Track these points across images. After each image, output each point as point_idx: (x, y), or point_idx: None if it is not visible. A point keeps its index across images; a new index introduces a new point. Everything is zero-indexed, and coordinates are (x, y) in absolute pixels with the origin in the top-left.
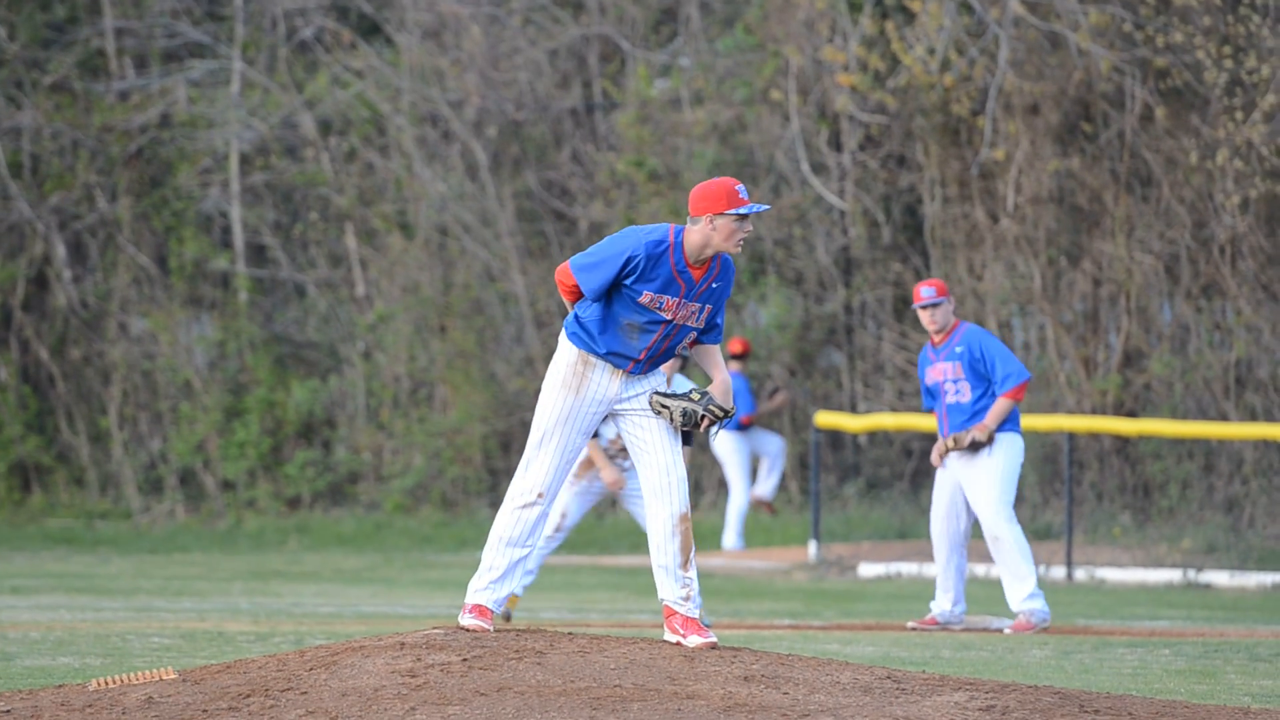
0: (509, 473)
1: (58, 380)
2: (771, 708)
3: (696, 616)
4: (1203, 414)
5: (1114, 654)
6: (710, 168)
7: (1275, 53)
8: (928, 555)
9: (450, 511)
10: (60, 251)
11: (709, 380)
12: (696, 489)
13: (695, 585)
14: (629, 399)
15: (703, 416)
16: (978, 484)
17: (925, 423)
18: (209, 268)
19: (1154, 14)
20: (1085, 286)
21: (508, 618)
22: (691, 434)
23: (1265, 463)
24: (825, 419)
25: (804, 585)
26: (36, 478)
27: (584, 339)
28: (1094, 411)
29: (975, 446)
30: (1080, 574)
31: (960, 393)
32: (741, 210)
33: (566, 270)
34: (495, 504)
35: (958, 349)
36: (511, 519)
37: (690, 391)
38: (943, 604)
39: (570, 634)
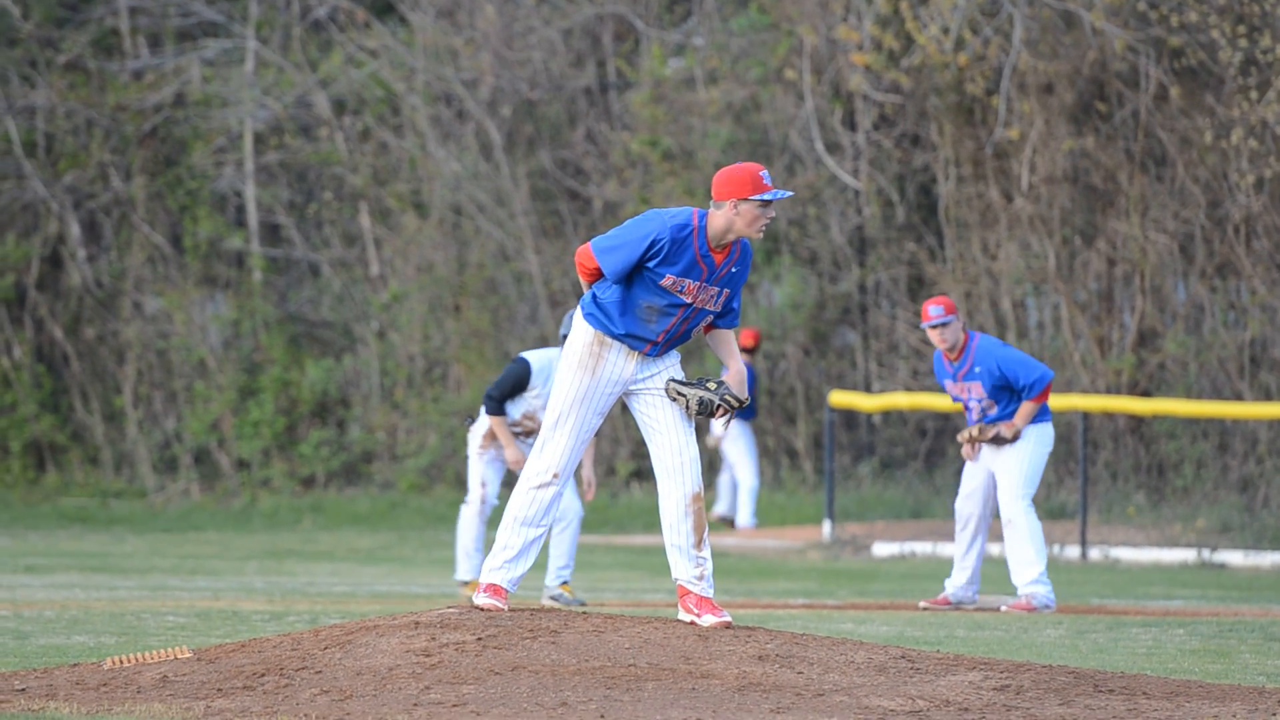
0: None
1: (72, 359)
2: (786, 687)
3: (711, 595)
4: (1217, 393)
5: (1128, 633)
6: (724, 147)
7: None
8: (942, 535)
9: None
10: (75, 231)
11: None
12: (710, 469)
13: (709, 565)
14: (644, 379)
15: (718, 406)
16: (1004, 468)
17: (940, 402)
18: (223, 247)
19: None
20: (1100, 266)
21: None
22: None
23: (1279, 442)
24: (839, 398)
25: (818, 565)
26: (51, 457)
27: (601, 320)
28: (1108, 391)
29: (1000, 441)
30: (1095, 553)
31: (987, 409)
32: (765, 196)
33: (588, 252)
34: (509, 483)
35: (976, 370)
36: (527, 499)
37: (706, 381)
38: (958, 582)
39: (585, 613)
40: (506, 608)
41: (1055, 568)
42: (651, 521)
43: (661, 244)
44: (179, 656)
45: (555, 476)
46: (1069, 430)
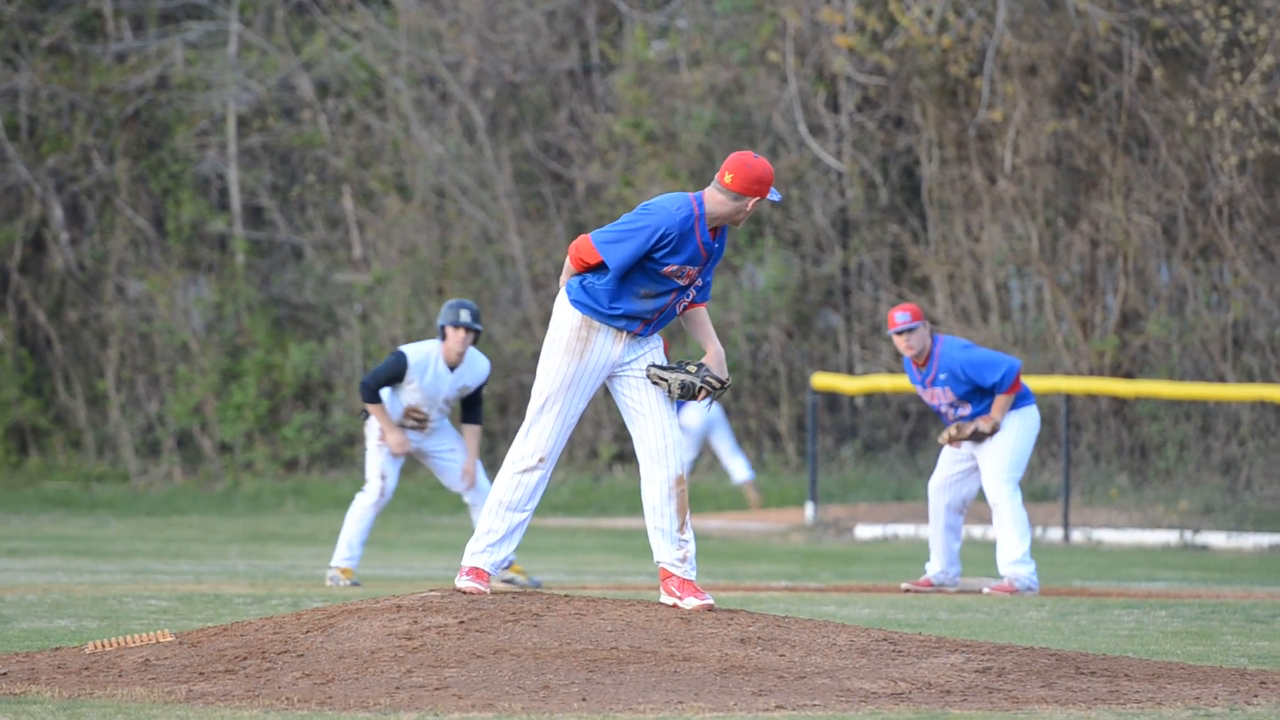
0: (506, 435)
1: (55, 343)
2: (768, 670)
3: (693, 578)
4: (1200, 375)
5: (1110, 615)
6: (707, 129)
7: (1273, 13)
8: (924, 517)
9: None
10: (57, 214)
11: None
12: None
13: (692, 547)
14: (629, 362)
15: (700, 388)
16: (990, 452)
17: None
18: (206, 230)
19: None
20: (1083, 248)
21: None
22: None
23: (1262, 424)
24: (822, 381)
25: (801, 547)
26: (34, 440)
27: (589, 305)
28: (1091, 373)
29: (980, 437)
30: (1077, 535)
31: (960, 410)
32: (774, 198)
33: (588, 246)
34: (494, 466)
35: (942, 376)
36: (512, 483)
37: (686, 364)
38: (935, 567)
39: (567, 596)
40: (489, 590)
41: (1038, 550)
42: (634, 504)
43: (670, 237)
44: (161, 640)
45: (541, 460)
46: (1052, 412)
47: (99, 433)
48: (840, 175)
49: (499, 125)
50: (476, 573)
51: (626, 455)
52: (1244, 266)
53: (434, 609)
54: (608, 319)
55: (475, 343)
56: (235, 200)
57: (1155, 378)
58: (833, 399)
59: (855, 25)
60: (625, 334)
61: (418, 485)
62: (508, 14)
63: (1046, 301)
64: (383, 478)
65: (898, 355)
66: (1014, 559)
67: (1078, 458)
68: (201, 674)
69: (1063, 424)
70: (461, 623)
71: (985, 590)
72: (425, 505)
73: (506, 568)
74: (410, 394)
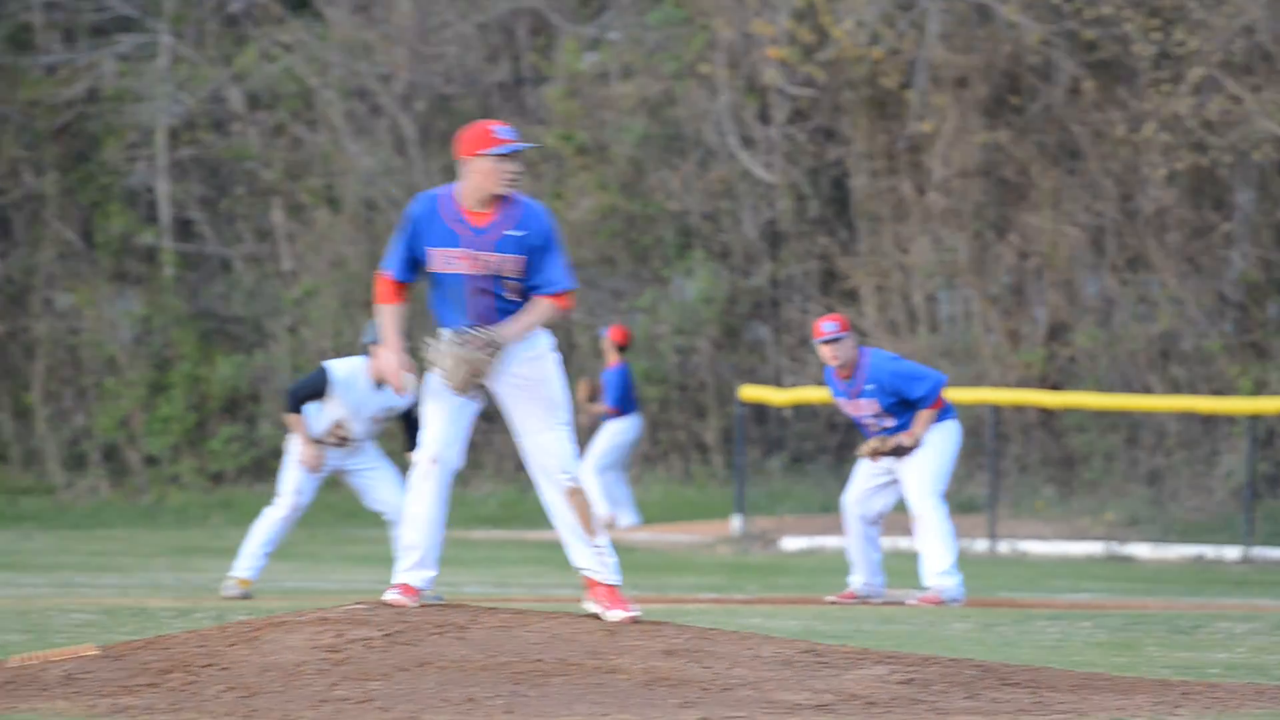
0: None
1: None
2: (693, 682)
3: (617, 584)
4: (1127, 387)
5: (1035, 626)
6: (639, 141)
7: (1203, 25)
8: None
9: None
10: None
11: None
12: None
13: (610, 552)
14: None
15: (468, 358)
16: (913, 467)
17: None
18: (135, 242)
19: None
20: (1011, 259)
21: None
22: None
23: (1188, 435)
24: (750, 393)
25: (727, 559)
26: None
27: (438, 318)
28: (1019, 384)
29: (901, 451)
30: (1003, 547)
31: (884, 423)
32: (497, 150)
33: (383, 286)
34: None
35: (869, 387)
36: (415, 494)
37: (452, 336)
38: (859, 579)
39: (493, 609)
40: (416, 605)
41: (964, 561)
42: None
43: (417, 221)
44: (85, 654)
45: (434, 462)
46: (979, 424)
47: (25, 446)
48: (770, 187)
49: (430, 138)
50: (405, 589)
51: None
52: (1172, 278)
53: (359, 622)
54: (448, 324)
55: None
56: (164, 213)
57: (1082, 389)
58: (760, 411)
59: (787, 37)
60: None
61: (344, 498)
62: (439, 26)
63: (975, 313)
64: (298, 494)
65: (825, 367)
66: (940, 570)
67: (1005, 469)
68: (125, 687)
69: (990, 435)
70: (387, 635)
71: (911, 602)
72: (351, 518)
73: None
74: (335, 410)
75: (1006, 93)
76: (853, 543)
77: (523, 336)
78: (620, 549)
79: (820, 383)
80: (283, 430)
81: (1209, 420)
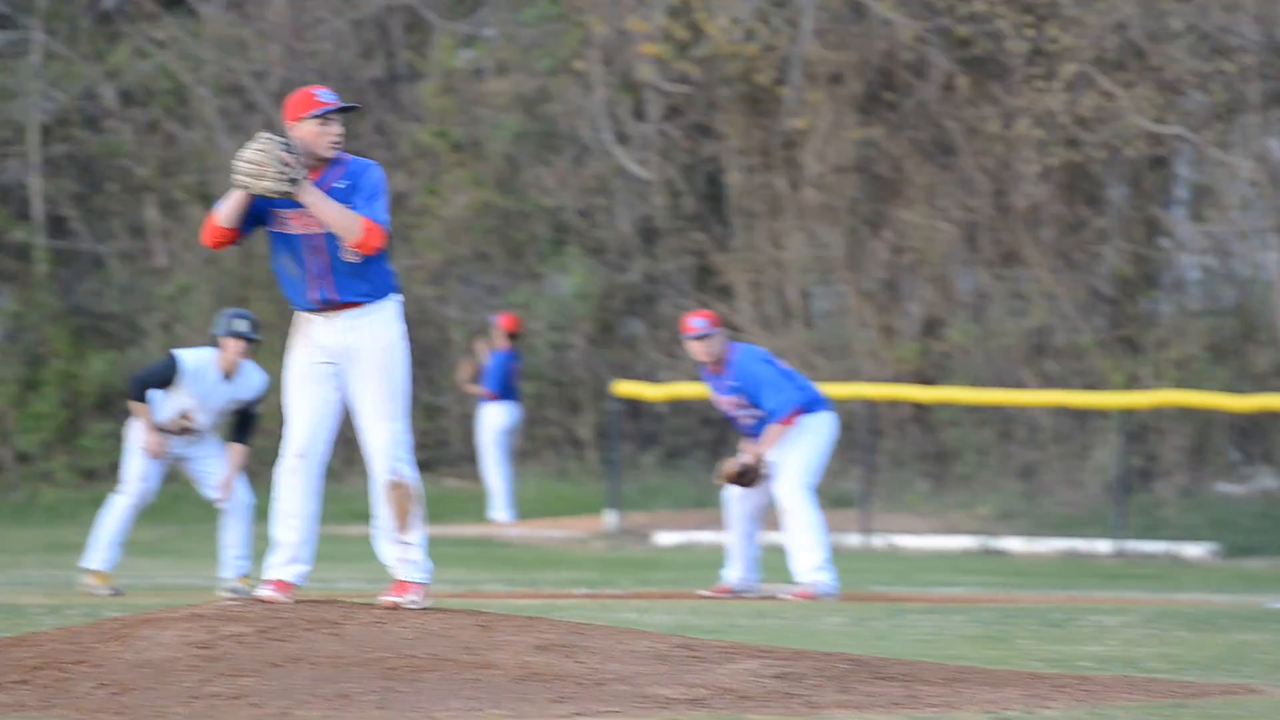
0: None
1: None
2: (567, 677)
3: (415, 580)
4: (1000, 381)
5: (908, 620)
6: (513, 138)
7: (1076, 22)
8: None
9: (252, 481)
10: None
11: None
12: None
13: (417, 550)
14: (347, 351)
15: (268, 153)
16: (783, 460)
17: None
18: (7, 239)
19: None
20: (885, 255)
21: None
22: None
23: (1061, 430)
24: (624, 388)
25: (601, 554)
26: None
27: (286, 297)
28: (893, 379)
29: (749, 475)
30: (877, 541)
31: (753, 416)
32: (317, 113)
33: (209, 217)
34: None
35: (734, 384)
36: (282, 488)
37: (257, 136)
38: (734, 573)
39: (366, 604)
40: (290, 600)
41: (837, 555)
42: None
43: None
44: None
45: (299, 458)
46: (853, 418)
47: None
48: (645, 183)
49: None
50: (279, 584)
51: (428, 463)
52: (1045, 273)
53: (232, 618)
54: (298, 307)
55: (253, 354)
56: (37, 209)
57: (956, 384)
58: (635, 406)
59: (661, 34)
60: (324, 314)
61: None
62: (314, 23)
63: (849, 308)
64: (142, 480)
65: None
66: (813, 565)
67: (878, 463)
68: None
69: (864, 430)
70: (259, 632)
71: (785, 596)
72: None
73: (241, 578)
74: (181, 400)
75: (881, 89)
76: (733, 537)
77: (324, 207)
78: (494, 545)
79: (695, 378)
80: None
81: (1081, 415)
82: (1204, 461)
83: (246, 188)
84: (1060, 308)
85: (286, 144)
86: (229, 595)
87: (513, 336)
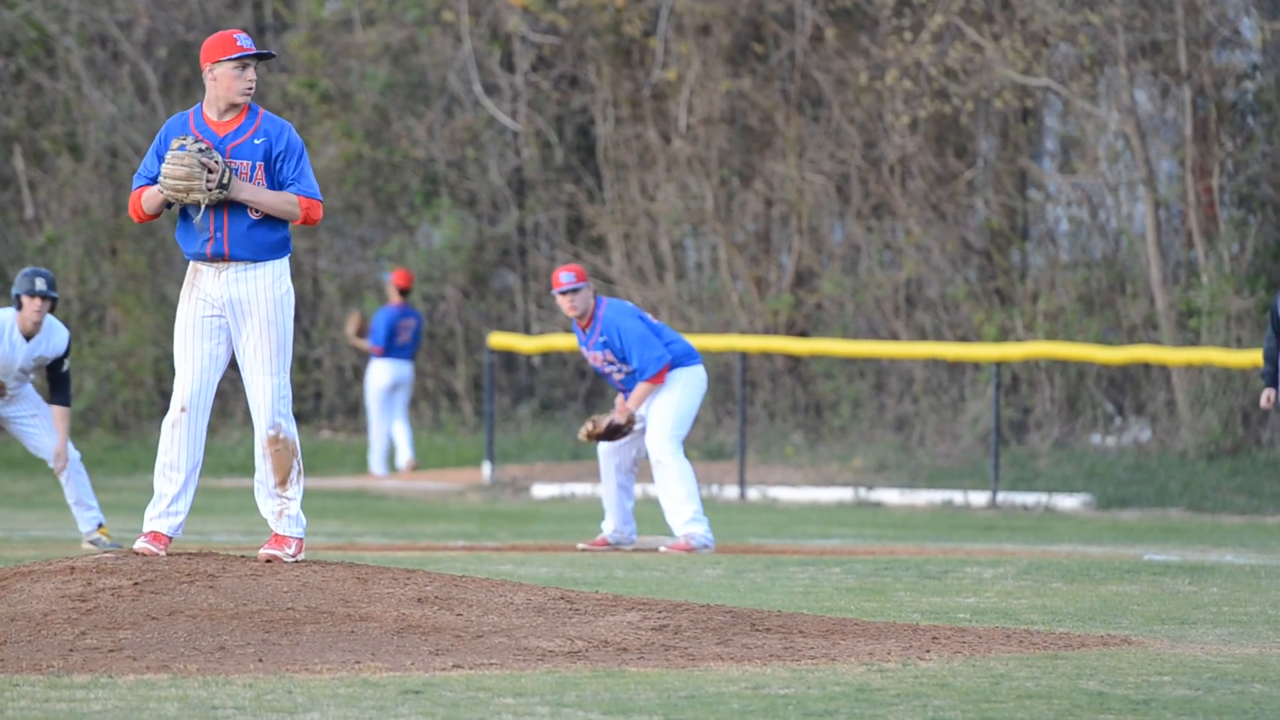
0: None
1: None
2: (445, 629)
3: (290, 534)
4: (873, 333)
5: (786, 572)
6: (382, 89)
7: None
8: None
9: (122, 435)
10: None
11: None
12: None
13: (293, 504)
14: (233, 304)
15: (192, 160)
16: (654, 411)
17: None
18: None
19: None
20: (757, 207)
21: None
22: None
23: (934, 381)
24: (499, 340)
25: (478, 507)
26: None
27: (182, 247)
28: (766, 331)
29: (616, 432)
30: (753, 493)
31: (622, 371)
32: (235, 57)
33: (134, 196)
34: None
35: (602, 339)
36: (165, 441)
37: (180, 141)
38: (610, 526)
39: (243, 557)
40: (164, 553)
41: (713, 508)
42: (310, 464)
43: (167, 135)
44: None
45: (183, 411)
46: (727, 371)
47: None
48: (516, 135)
49: (172, 85)
50: (153, 536)
51: (303, 415)
52: (916, 225)
53: (108, 571)
54: (193, 255)
55: (52, 311)
56: None
57: (829, 336)
58: (510, 358)
59: None
60: (208, 266)
61: (91, 446)
62: None
63: (721, 260)
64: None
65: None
66: (686, 518)
67: (753, 416)
68: None
69: (738, 382)
70: (136, 584)
71: (661, 549)
72: (99, 466)
73: (99, 527)
74: None
75: (750, 40)
76: (607, 490)
77: (260, 198)
78: (370, 497)
79: (569, 330)
80: None
81: (955, 367)
82: (1076, 413)
83: (178, 201)
84: (931, 259)
85: (204, 149)
86: (93, 548)
87: (404, 292)
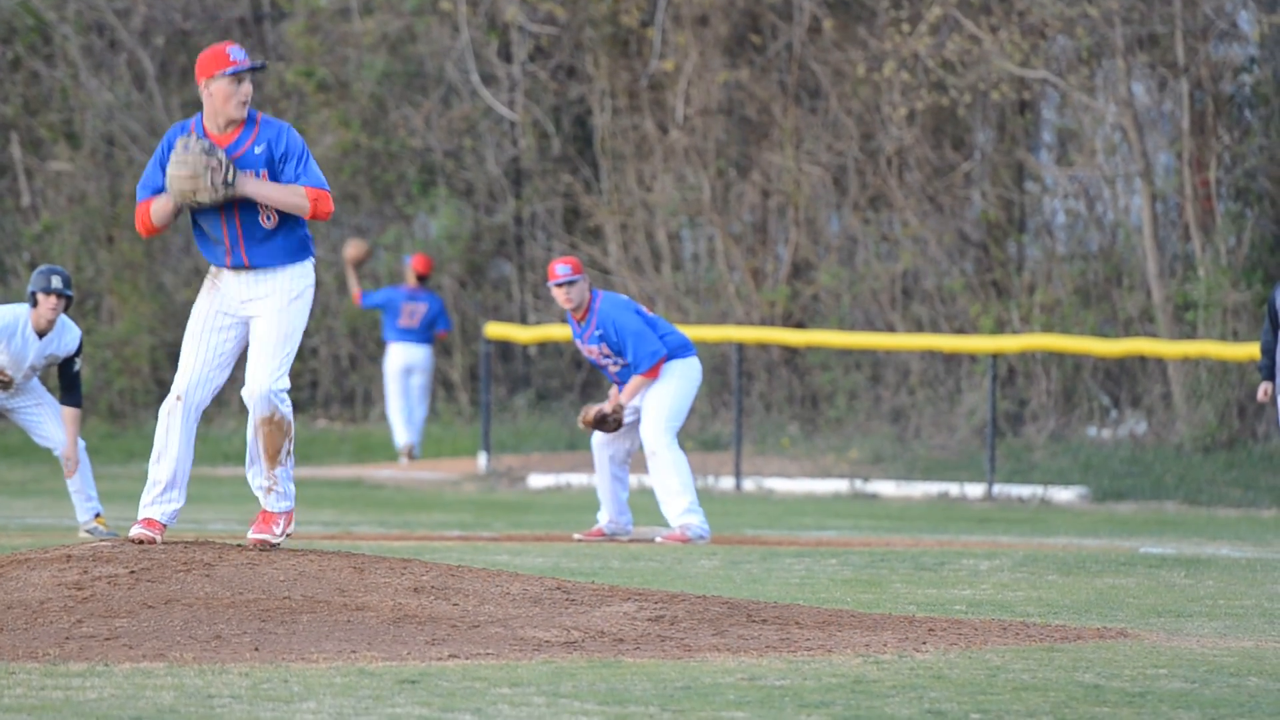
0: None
1: None
2: (441, 619)
3: (277, 510)
4: (870, 325)
5: (782, 564)
6: (380, 78)
7: None
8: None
9: (118, 423)
10: None
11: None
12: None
13: (282, 483)
14: (252, 302)
15: (198, 160)
16: (649, 402)
17: None
18: None
19: None
20: (754, 198)
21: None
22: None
23: (931, 373)
24: (495, 330)
25: (474, 496)
26: None
27: (202, 252)
28: (763, 323)
29: (606, 422)
30: (749, 484)
31: (618, 364)
32: (229, 71)
33: (141, 209)
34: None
35: (598, 333)
36: (160, 427)
37: (184, 141)
38: (606, 517)
39: (239, 546)
40: (160, 540)
41: (710, 499)
42: (305, 453)
43: (168, 147)
44: None
45: (178, 399)
46: (723, 362)
47: None
48: (513, 125)
49: (169, 73)
50: (148, 522)
51: (299, 404)
52: (913, 217)
53: (104, 559)
54: (207, 257)
55: (67, 310)
56: None
57: (826, 328)
58: (506, 348)
59: None
60: (236, 270)
61: (86, 435)
62: None
63: (718, 251)
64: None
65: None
66: (682, 509)
67: (749, 407)
68: None
69: (735, 373)
70: (132, 573)
71: (658, 540)
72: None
73: (96, 517)
74: None
75: (747, 31)
76: (601, 481)
77: (266, 193)
78: (367, 487)
79: (565, 320)
80: None
81: (951, 359)
82: (1073, 406)
83: (185, 203)
84: (928, 251)
85: (207, 146)
86: (89, 536)
87: (423, 278)
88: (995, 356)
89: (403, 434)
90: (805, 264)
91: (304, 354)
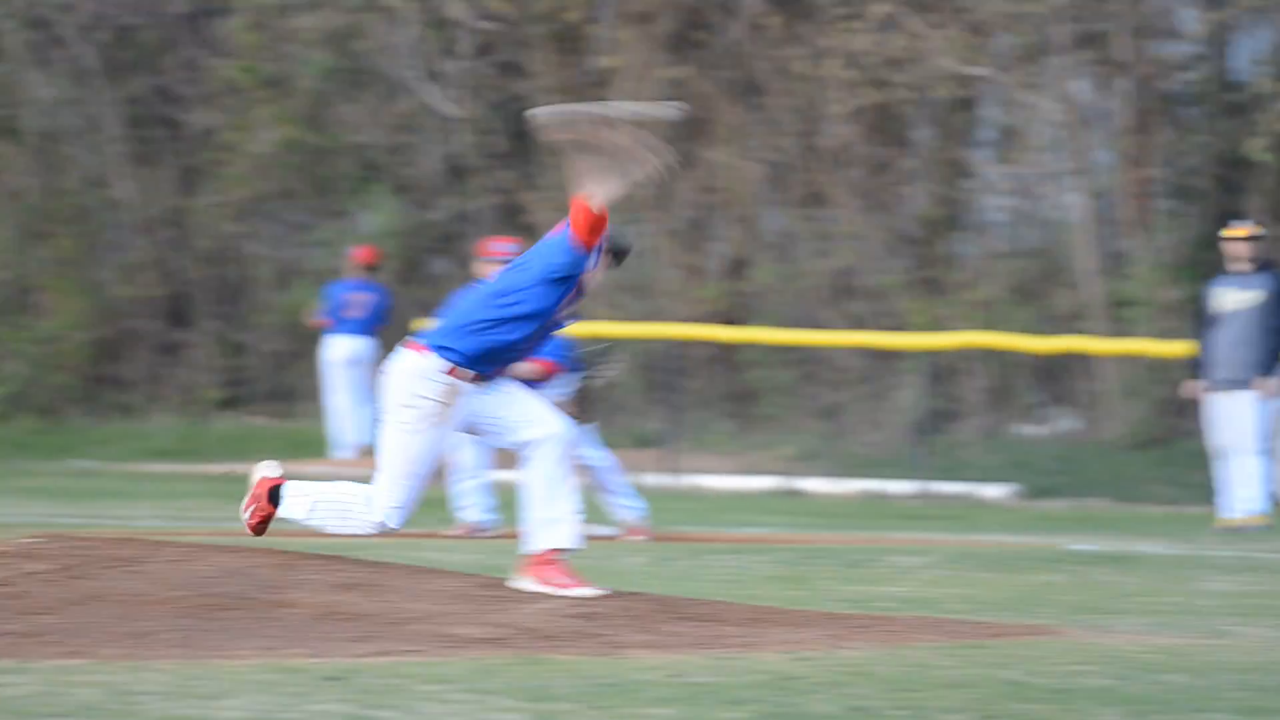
0: (111, 380)
1: None
2: (369, 615)
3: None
4: (805, 322)
5: (710, 560)
6: (323, 75)
7: None
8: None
9: (50, 419)
10: None
11: None
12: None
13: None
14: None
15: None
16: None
17: None
18: None
19: None
20: (692, 194)
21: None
22: None
23: (864, 371)
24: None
25: None
26: None
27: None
28: (698, 319)
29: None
30: (680, 481)
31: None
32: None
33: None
34: (94, 413)
35: None
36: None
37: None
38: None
39: (167, 542)
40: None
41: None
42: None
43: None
44: None
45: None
46: (658, 358)
47: None
48: (453, 121)
49: (112, 69)
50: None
51: (233, 400)
52: (852, 214)
53: (33, 556)
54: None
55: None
56: None
57: (761, 324)
58: None
59: None
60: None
61: (18, 431)
62: None
63: (655, 248)
64: None
65: None
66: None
67: (682, 403)
68: None
69: (668, 370)
70: (60, 569)
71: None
72: (24, 450)
73: None
74: None
75: (690, 28)
76: (467, 480)
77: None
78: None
79: None
80: None
81: (885, 356)
82: (1005, 403)
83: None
84: (866, 248)
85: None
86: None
87: (370, 269)
88: (929, 354)
89: (350, 433)
90: (742, 261)
91: (237, 349)
